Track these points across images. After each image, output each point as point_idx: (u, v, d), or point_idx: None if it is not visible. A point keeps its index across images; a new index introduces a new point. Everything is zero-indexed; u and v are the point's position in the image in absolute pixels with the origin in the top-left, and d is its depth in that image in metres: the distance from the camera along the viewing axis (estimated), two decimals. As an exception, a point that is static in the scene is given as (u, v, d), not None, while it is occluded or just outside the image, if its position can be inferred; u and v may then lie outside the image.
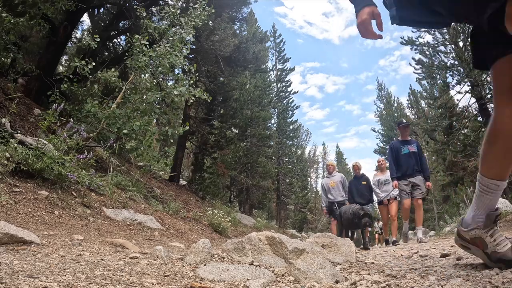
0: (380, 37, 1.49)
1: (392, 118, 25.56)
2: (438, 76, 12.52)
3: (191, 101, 5.76)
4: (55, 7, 5.60)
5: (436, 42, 12.59)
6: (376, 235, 15.46)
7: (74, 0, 5.90)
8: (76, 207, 3.06)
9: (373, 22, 1.49)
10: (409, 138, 5.91)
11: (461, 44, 11.51)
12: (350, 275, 1.60)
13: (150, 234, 3.37)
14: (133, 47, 5.11)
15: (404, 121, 6.00)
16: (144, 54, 5.01)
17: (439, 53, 12.28)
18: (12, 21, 4.95)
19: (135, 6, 7.19)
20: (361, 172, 6.95)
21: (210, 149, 11.90)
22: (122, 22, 9.37)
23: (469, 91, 11.36)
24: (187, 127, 6.03)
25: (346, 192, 6.91)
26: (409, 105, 25.84)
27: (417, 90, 17.02)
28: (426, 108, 16.52)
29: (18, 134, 3.44)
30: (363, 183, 6.75)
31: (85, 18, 10.00)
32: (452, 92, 12.87)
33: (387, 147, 7.68)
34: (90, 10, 9.16)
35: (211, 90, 10.23)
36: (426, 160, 6.28)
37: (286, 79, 24.35)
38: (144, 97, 5.04)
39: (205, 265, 1.57)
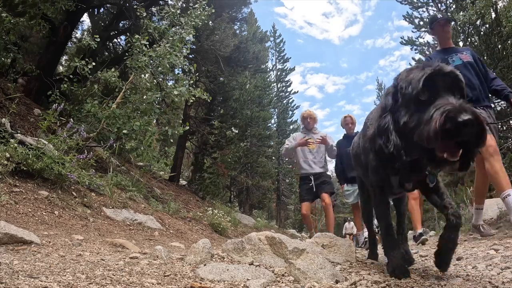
0: None
1: (392, 118, 25.51)
2: (438, 76, 12.53)
3: (191, 101, 5.76)
4: (55, 7, 5.60)
5: (436, 42, 12.58)
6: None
7: (74, 0, 5.90)
8: (76, 207, 3.06)
9: None
10: (454, 45, 3.46)
11: (461, 44, 11.50)
12: (350, 275, 1.60)
13: (150, 234, 3.37)
14: (133, 47, 5.11)
15: (440, 15, 3.02)
16: (144, 54, 5.01)
17: (439, 53, 12.27)
18: (12, 21, 4.95)
19: (135, 6, 7.19)
20: (355, 129, 4.62)
21: (210, 149, 11.91)
22: (122, 22, 9.38)
23: (469, 91, 11.37)
24: (187, 127, 6.03)
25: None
26: (409, 105, 25.82)
27: (417, 90, 16.97)
28: (426, 108, 16.43)
29: (18, 134, 3.44)
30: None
31: (85, 18, 10.02)
32: (452, 92, 12.86)
33: None
34: (90, 10, 9.17)
35: (211, 90, 10.23)
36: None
37: (286, 79, 24.38)
38: (144, 97, 5.05)
39: (205, 265, 1.57)
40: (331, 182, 4.41)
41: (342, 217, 23.19)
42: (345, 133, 4.70)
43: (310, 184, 4.27)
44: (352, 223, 15.45)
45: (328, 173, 4.59)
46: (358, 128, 4.53)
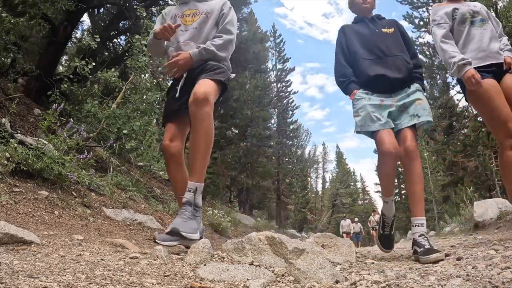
0: None
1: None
2: (438, 76, 12.55)
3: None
4: (55, 7, 5.61)
5: (436, 42, 12.59)
6: (373, 232, 12.47)
7: (74, 0, 5.91)
8: (76, 207, 3.06)
9: None
10: None
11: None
12: (350, 275, 1.60)
13: (150, 234, 3.37)
14: (133, 47, 5.12)
15: None
16: (144, 54, 5.01)
17: (439, 53, 12.28)
18: (12, 21, 4.95)
19: (135, 6, 7.19)
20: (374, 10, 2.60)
21: (210, 149, 11.92)
22: (122, 22, 9.39)
23: (469, 91, 11.37)
24: (187, 127, 6.02)
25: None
26: (409, 105, 25.84)
27: (417, 90, 17.02)
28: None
29: (18, 134, 3.44)
30: (384, 30, 2.43)
31: (85, 18, 10.02)
32: (452, 92, 12.90)
33: None
34: (90, 10, 9.17)
35: (211, 90, 10.22)
36: None
37: (286, 79, 24.39)
38: (144, 97, 5.05)
39: (205, 265, 1.57)
40: (220, 66, 2.32)
41: (342, 217, 23.16)
42: (356, 16, 2.72)
43: (177, 88, 2.36)
44: (348, 220, 14.50)
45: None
46: (378, 10, 2.64)
